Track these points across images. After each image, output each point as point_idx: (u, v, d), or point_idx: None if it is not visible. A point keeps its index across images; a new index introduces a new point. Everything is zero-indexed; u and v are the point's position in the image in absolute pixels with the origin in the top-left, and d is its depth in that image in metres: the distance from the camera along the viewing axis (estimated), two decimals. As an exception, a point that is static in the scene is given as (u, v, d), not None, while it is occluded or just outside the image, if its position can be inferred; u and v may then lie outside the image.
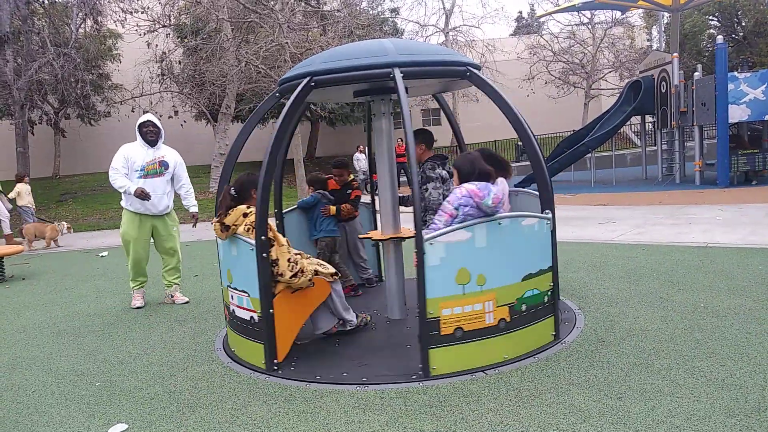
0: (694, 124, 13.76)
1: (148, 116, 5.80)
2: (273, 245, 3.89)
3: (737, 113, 12.55)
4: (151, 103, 18.81)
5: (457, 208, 3.73)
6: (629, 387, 3.21)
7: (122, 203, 5.82)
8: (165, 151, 5.84)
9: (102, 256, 9.64)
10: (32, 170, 18.22)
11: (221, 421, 3.19)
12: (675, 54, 14.34)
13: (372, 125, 4.87)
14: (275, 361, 3.87)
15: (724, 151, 12.85)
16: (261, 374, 3.83)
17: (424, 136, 4.87)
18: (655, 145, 16.55)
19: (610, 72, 27.75)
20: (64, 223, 12.30)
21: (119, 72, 22.25)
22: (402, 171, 19.95)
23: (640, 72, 16.79)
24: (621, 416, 2.89)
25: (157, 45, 17.84)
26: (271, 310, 3.85)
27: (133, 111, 20.01)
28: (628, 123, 19.72)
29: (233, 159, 4.37)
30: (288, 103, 3.94)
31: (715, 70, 12.87)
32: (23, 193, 12.55)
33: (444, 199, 4.08)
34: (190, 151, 27.17)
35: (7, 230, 12.15)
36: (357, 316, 4.50)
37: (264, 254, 3.78)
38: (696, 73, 14.00)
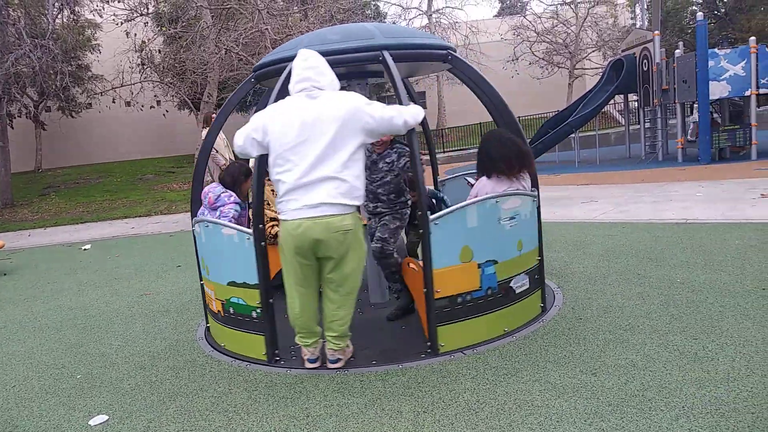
0: (676, 101, 13.82)
1: None
2: None
3: (718, 89, 12.61)
4: (132, 93, 18.55)
5: None
6: (604, 363, 3.26)
7: None
8: None
9: (85, 249, 9.57)
10: (13, 165, 17.98)
11: (201, 409, 3.21)
12: (656, 32, 14.33)
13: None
14: None
15: (705, 127, 12.94)
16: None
17: None
18: (638, 124, 16.62)
19: (593, 51, 27.74)
20: None
21: (99, 63, 21.88)
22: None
23: (622, 51, 16.80)
24: (595, 391, 2.94)
25: (135, 34, 17.54)
26: None
27: (114, 102, 19.74)
28: (613, 102, 19.77)
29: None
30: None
31: (696, 47, 12.91)
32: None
33: None
34: (173, 141, 27.03)
35: None
36: None
37: None
38: (677, 51, 14.02)
